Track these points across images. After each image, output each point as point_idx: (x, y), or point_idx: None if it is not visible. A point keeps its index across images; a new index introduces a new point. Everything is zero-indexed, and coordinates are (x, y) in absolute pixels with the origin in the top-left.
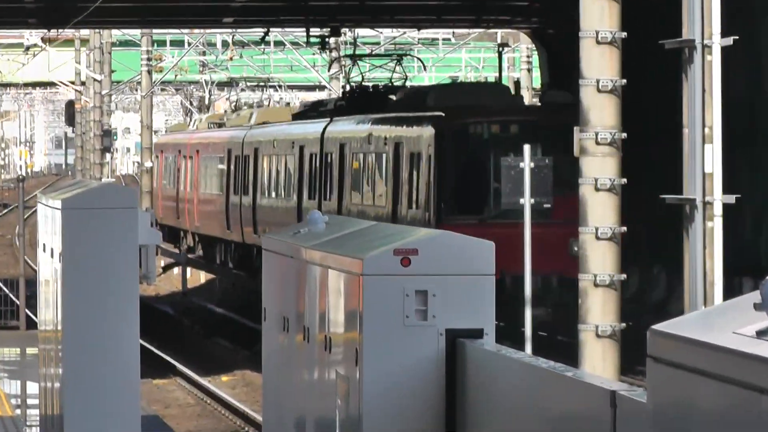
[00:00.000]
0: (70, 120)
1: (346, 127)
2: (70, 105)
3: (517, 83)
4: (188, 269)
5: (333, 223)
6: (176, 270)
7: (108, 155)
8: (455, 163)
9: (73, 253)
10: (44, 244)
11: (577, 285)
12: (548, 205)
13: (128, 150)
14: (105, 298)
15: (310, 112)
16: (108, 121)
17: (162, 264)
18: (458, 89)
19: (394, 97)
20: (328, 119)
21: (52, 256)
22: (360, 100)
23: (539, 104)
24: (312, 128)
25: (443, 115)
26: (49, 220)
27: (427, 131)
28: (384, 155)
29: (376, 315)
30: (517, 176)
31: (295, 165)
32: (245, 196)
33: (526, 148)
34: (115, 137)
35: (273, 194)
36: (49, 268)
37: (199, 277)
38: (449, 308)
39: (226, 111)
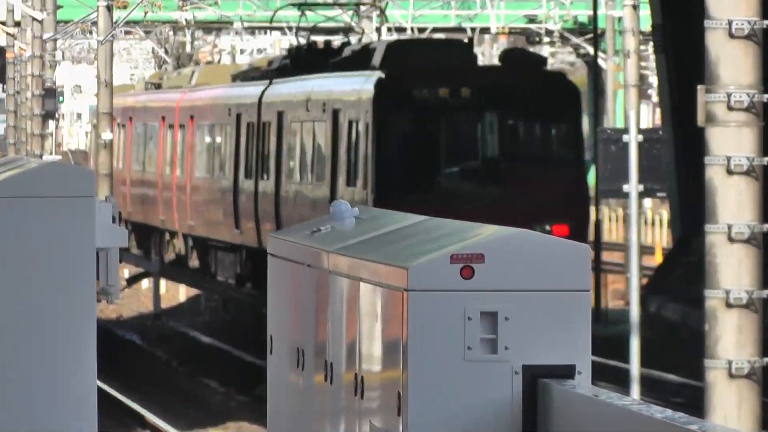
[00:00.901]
0: (0, 75)
1: (285, 91)
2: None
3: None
4: (162, 282)
5: (366, 217)
6: (146, 283)
7: (52, 123)
8: (397, 132)
9: (2, 262)
10: None
11: None
12: (662, 194)
13: (79, 116)
14: (48, 324)
15: (252, 72)
16: (52, 76)
17: (126, 275)
18: (412, 47)
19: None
20: (268, 82)
21: None
22: (307, 59)
23: (498, 64)
24: (250, 92)
25: (383, 75)
26: None
27: (365, 94)
28: (323, 124)
29: (426, 346)
30: (619, 153)
31: (231, 137)
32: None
33: (632, 114)
34: (61, 99)
35: (204, 173)
36: None
37: (176, 293)
38: (528, 337)
39: (165, 69)
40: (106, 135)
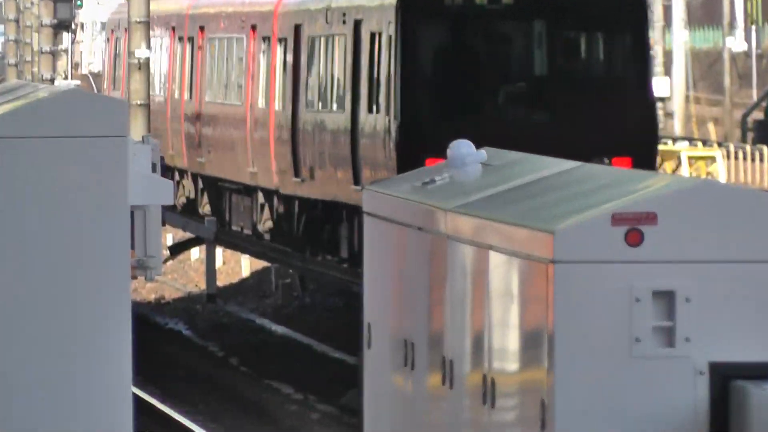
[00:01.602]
0: None
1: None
2: None
3: None
4: (219, 251)
5: (496, 163)
6: (196, 253)
7: (67, 37)
8: (426, 46)
9: (5, 224)
10: None
11: None
12: None
13: (104, 27)
14: (68, 310)
15: None
16: None
17: (170, 242)
18: None
19: None
20: None
21: None
22: None
23: None
24: (182, 4)
25: None
26: None
27: (388, 1)
28: (343, 38)
29: (579, 338)
30: None
31: (243, 55)
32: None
33: None
34: (79, 3)
35: (219, 98)
36: None
37: (238, 267)
38: (717, 325)
39: None
40: (142, 51)
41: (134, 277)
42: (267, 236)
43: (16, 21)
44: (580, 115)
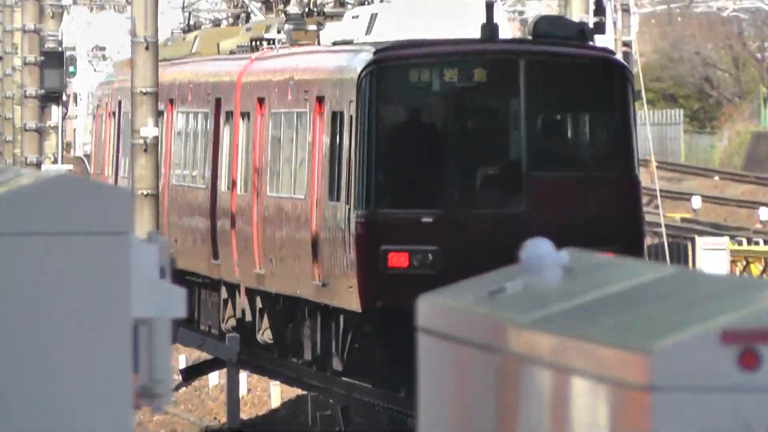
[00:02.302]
0: None
1: (269, 67)
2: None
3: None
4: (243, 376)
5: (580, 267)
6: (215, 379)
7: (56, 111)
8: (390, 126)
9: None
10: None
11: None
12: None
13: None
14: None
15: (254, 39)
16: (57, 31)
17: (183, 363)
18: (419, 10)
19: (338, 23)
20: (252, 55)
21: None
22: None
23: (528, 37)
24: (231, 68)
25: (372, 50)
26: None
27: (348, 75)
28: (305, 115)
29: None
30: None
31: (210, 129)
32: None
33: None
34: (72, 69)
35: (183, 179)
36: None
37: (266, 395)
38: None
39: (173, 32)
40: (148, 130)
41: (138, 407)
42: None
43: None
44: (560, 203)
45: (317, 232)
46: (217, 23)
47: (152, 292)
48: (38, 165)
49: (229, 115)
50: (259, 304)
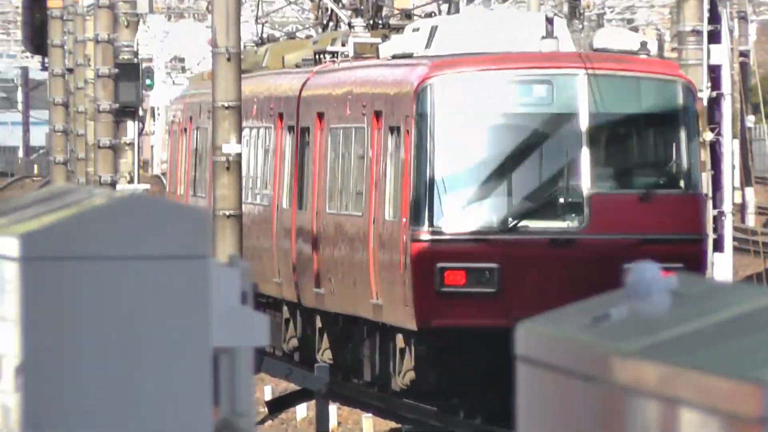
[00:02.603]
0: (35, 38)
1: (329, 81)
2: (35, 5)
3: None
4: (332, 409)
5: (691, 292)
6: (303, 411)
7: (132, 127)
8: (446, 142)
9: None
10: None
11: None
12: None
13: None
14: None
15: (318, 52)
16: (132, 41)
17: (268, 395)
18: (481, 23)
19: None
20: (314, 68)
21: None
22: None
23: (590, 51)
24: (293, 82)
25: (430, 64)
26: None
27: (405, 89)
28: (363, 130)
29: None
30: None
31: (272, 144)
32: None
33: None
34: (149, 81)
35: (246, 197)
36: None
37: (358, 429)
38: None
39: (245, 46)
40: (231, 147)
41: None
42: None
43: (65, 105)
44: (618, 222)
45: (375, 250)
46: (291, 35)
47: (233, 320)
48: (113, 184)
49: (290, 129)
50: (318, 323)
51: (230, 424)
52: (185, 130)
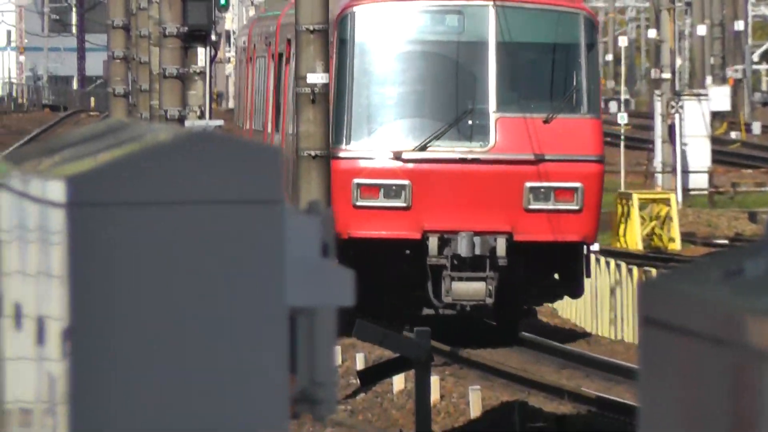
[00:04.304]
0: None
1: (293, 12)
2: None
3: None
4: (434, 380)
5: None
6: (401, 383)
7: (204, 53)
8: (363, 67)
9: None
10: (17, 304)
11: (530, 252)
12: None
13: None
14: None
15: None
16: None
17: (358, 365)
18: None
19: None
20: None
21: (38, 331)
22: None
23: None
24: (276, 15)
25: None
26: (27, 237)
27: (331, 17)
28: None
29: None
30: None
31: (266, 72)
32: None
33: None
34: (223, 1)
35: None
36: (25, 356)
37: (463, 402)
38: None
39: None
40: (316, 76)
41: (296, 417)
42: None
43: (125, 29)
44: (523, 142)
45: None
46: None
47: (313, 276)
48: (180, 120)
49: (272, 57)
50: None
51: (309, 394)
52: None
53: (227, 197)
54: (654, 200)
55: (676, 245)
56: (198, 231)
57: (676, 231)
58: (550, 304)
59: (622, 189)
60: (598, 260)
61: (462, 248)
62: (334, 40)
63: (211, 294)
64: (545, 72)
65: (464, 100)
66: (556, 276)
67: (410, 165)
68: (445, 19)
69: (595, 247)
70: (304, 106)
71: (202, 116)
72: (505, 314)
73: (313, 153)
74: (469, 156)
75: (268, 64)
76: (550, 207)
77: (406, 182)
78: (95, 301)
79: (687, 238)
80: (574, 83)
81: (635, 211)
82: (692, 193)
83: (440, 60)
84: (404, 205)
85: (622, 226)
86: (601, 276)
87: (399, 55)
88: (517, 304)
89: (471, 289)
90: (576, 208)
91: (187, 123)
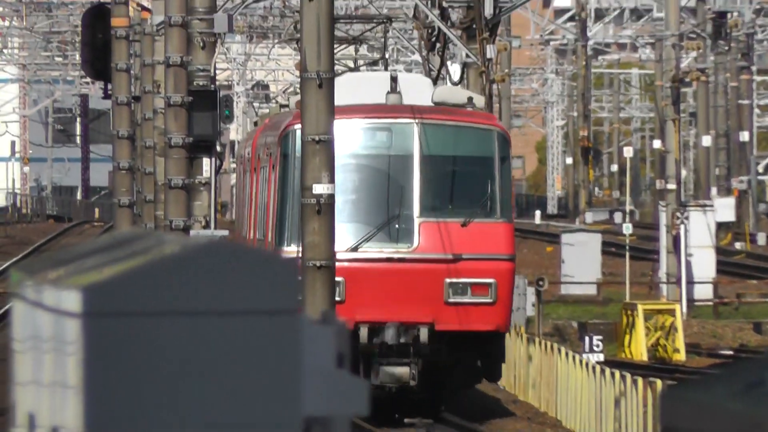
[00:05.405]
0: (96, 61)
1: (267, 126)
2: (98, 11)
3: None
4: None
5: None
6: None
7: (209, 163)
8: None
9: None
10: (30, 414)
11: (452, 340)
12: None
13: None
14: None
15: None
16: (209, 64)
17: None
18: (357, 82)
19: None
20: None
21: None
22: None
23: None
24: (254, 129)
25: (294, 113)
26: (41, 347)
27: (277, 134)
28: (265, 167)
29: None
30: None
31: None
32: None
33: None
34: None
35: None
36: None
37: None
38: None
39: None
40: (322, 187)
41: None
42: None
43: (130, 139)
44: (444, 243)
45: None
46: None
47: (327, 385)
48: (185, 230)
49: (275, 167)
50: None
51: None
52: (256, 169)
53: (244, 307)
54: (659, 311)
55: (681, 356)
56: (213, 342)
57: (681, 342)
58: (553, 414)
59: (627, 299)
60: (603, 371)
61: (389, 337)
62: (278, 154)
63: (226, 406)
64: (463, 181)
65: (392, 206)
66: (479, 363)
67: (344, 263)
68: (376, 135)
69: (600, 357)
70: (310, 217)
71: (207, 226)
72: (428, 395)
73: (318, 263)
74: (396, 256)
75: (269, 173)
76: (467, 300)
77: (340, 279)
78: (110, 412)
79: (692, 348)
80: (489, 191)
81: (640, 322)
82: (697, 303)
83: (371, 171)
84: (339, 299)
85: (627, 337)
86: (606, 386)
87: (335, 168)
88: (441, 386)
89: (396, 372)
90: (490, 301)
91: (192, 233)
